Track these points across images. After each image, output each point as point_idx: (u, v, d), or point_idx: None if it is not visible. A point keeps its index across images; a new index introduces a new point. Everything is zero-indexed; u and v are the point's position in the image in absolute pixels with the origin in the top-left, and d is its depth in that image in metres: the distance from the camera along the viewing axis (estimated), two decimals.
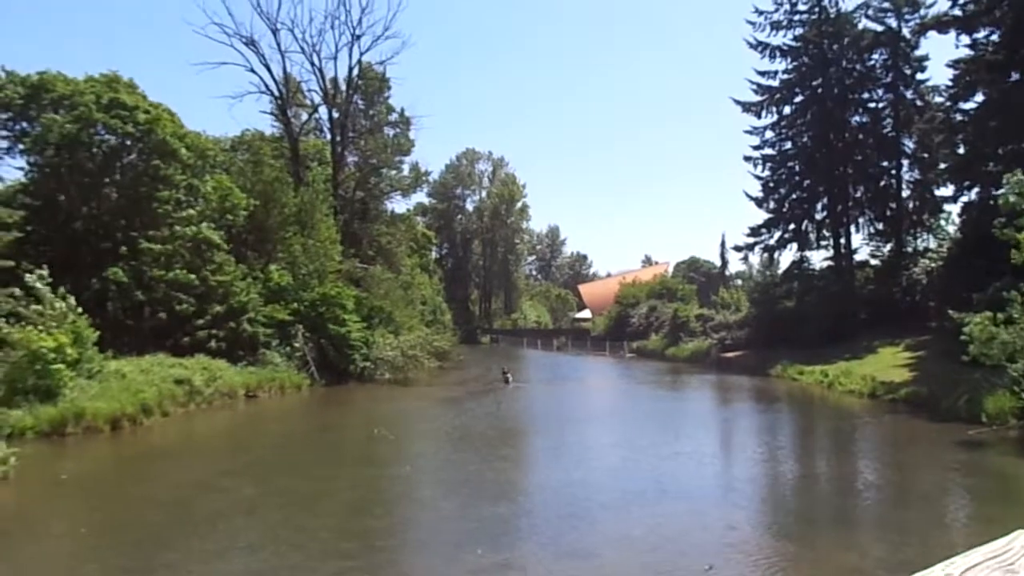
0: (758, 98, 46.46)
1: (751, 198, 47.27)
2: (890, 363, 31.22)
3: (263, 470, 17.40)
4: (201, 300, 30.87)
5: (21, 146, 30.65)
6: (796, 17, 45.20)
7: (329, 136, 53.20)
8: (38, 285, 22.85)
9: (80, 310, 23.74)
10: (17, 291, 22.50)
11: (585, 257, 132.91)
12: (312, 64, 49.92)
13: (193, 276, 30.70)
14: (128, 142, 30.86)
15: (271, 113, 51.00)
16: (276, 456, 19.49)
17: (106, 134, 30.54)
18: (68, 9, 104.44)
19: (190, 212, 31.91)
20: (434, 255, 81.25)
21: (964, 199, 36.13)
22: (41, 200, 28.73)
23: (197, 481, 16.12)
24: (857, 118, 46.08)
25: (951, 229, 41.20)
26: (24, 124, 30.67)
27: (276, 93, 48.22)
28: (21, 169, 31.29)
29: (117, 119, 30.05)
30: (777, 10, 45.17)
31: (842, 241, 46.06)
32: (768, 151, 47.00)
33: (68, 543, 11.89)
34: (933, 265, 38.72)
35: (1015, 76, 31.92)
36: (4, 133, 30.70)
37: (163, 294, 30.11)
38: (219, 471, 17.22)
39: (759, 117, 46.73)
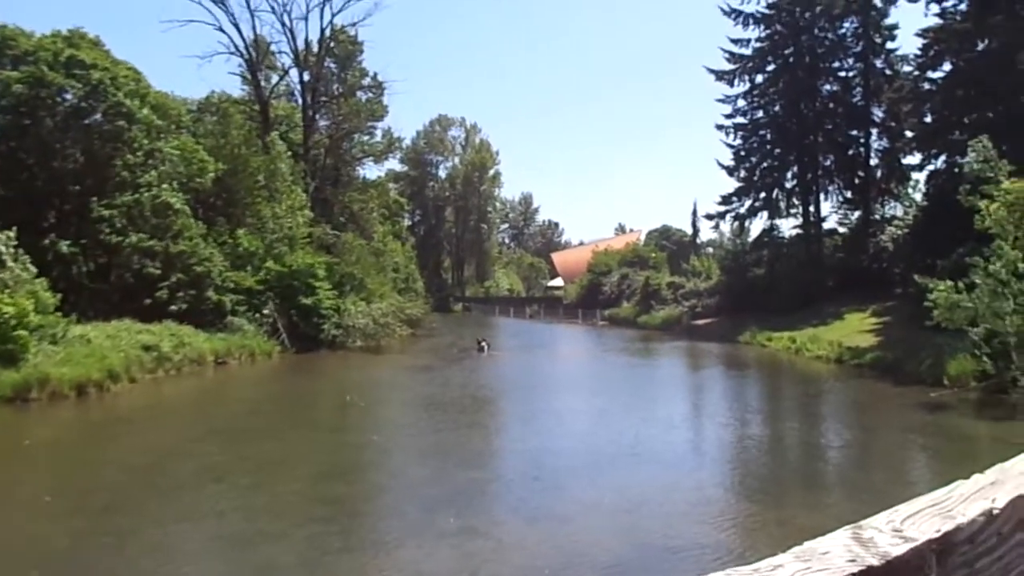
0: (731, 66, 46.41)
1: (723, 166, 47.48)
2: (857, 329, 31.78)
3: (232, 436, 17.28)
4: (166, 265, 30.39)
5: None
6: None
7: (300, 100, 52.33)
8: (1, 248, 22.38)
9: (36, 273, 23.33)
10: None
11: (557, 225, 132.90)
12: (283, 24, 49.00)
13: (154, 241, 30.13)
14: (91, 102, 30.02)
15: (240, 75, 50.03)
16: (246, 423, 19.35)
17: (63, 93, 29.68)
18: None
19: (151, 175, 31.17)
20: (406, 222, 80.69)
21: (930, 167, 36.55)
22: (0, 159, 27.95)
23: (165, 447, 15.98)
24: (828, 87, 46.32)
25: (917, 197, 41.79)
26: None
27: (245, 54, 47.22)
28: None
29: (72, 78, 29.19)
30: None
31: (811, 209, 46.56)
32: (740, 119, 47.16)
33: (30, 508, 11.73)
34: (899, 232, 39.28)
35: (982, 45, 32.18)
36: None
37: (125, 258, 29.59)
38: (188, 437, 17.07)
39: (732, 85, 46.77)
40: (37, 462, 15.27)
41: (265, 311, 33.75)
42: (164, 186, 31.38)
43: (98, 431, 18.56)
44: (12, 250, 22.70)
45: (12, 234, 22.93)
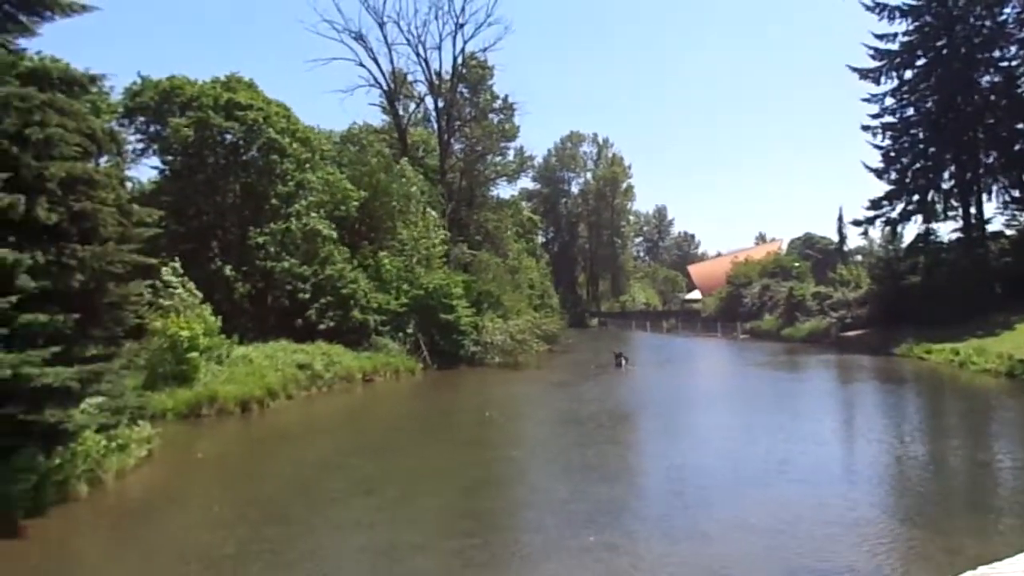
0: (876, 63, 43.96)
1: (870, 169, 44.90)
2: None
3: (380, 451, 18.04)
4: (316, 289, 32.27)
5: (156, 146, 32.94)
6: None
7: (435, 125, 54.25)
8: (171, 278, 24.61)
9: (201, 298, 25.39)
10: (157, 283, 24.28)
11: (693, 237, 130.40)
12: (418, 55, 51.25)
13: (305, 267, 32.13)
14: (247, 140, 32.51)
15: (380, 105, 52.56)
16: (392, 438, 20.17)
17: (224, 134, 32.28)
18: (199, 17, 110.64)
19: (300, 204, 33.28)
20: (540, 239, 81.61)
21: None
22: (173, 197, 30.78)
23: (320, 460, 16.93)
24: (987, 78, 42.84)
25: None
26: (159, 127, 32.86)
27: (384, 86, 49.61)
28: (156, 168, 33.77)
29: (233, 120, 31.72)
30: None
31: (972, 211, 43.08)
32: (888, 119, 44.49)
33: (202, 516, 12.74)
34: None
35: None
36: (139, 136, 33.13)
37: (279, 282, 31.69)
38: (339, 451, 18.01)
39: (878, 83, 44.27)
40: (208, 474, 16.58)
41: (408, 330, 35.06)
42: (312, 214, 33.46)
43: (259, 445, 19.90)
44: (179, 278, 24.98)
45: (177, 265, 25.24)
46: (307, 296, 31.99)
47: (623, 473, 15.68)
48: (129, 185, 28.73)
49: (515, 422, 22.94)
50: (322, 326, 31.38)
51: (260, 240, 31.60)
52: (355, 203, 36.63)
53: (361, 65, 50.29)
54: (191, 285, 25.50)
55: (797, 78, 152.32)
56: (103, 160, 19.79)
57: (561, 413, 23.56)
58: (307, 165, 34.72)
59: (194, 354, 22.98)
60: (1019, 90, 41.57)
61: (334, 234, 34.31)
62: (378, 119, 53.82)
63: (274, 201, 32.73)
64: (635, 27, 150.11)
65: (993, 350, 29.17)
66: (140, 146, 33.21)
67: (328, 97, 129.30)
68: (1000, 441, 18.36)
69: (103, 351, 14.69)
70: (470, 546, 10.67)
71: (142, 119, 33.07)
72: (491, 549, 10.70)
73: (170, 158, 32.40)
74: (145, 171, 36.09)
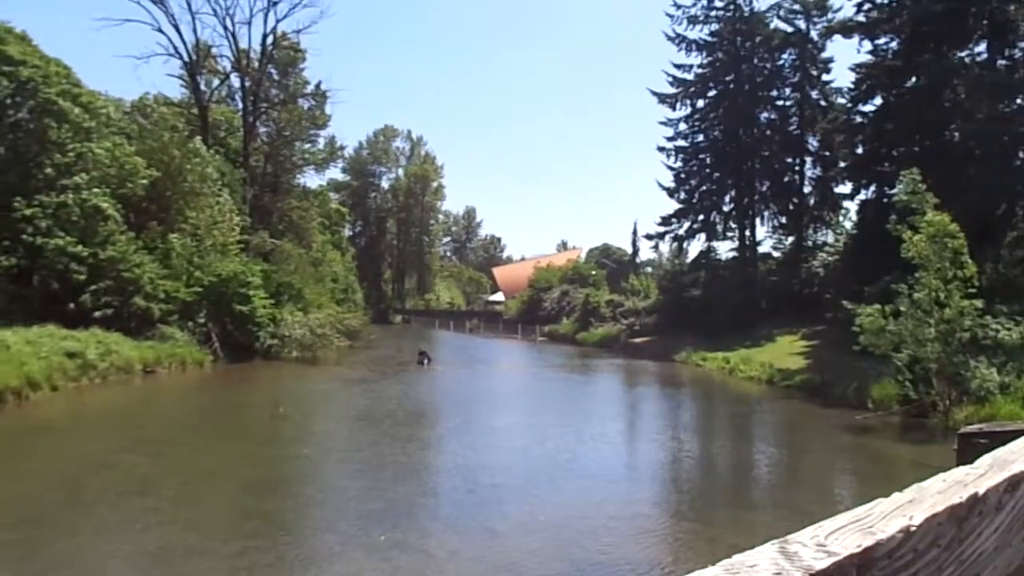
0: (674, 90, 47.54)
1: (663, 188, 48.47)
2: (787, 351, 32.63)
3: (159, 447, 16.71)
4: (93, 271, 29.25)
5: None
6: (712, 13, 46.46)
7: (240, 105, 51.43)
8: None
9: None
10: None
11: (499, 240, 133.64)
12: (225, 28, 48.26)
13: (81, 246, 28.98)
14: (17, 99, 28.85)
15: (179, 77, 48.92)
16: (174, 434, 18.75)
17: None
18: None
19: (80, 177, 29.95)
20: (347, 232, 79.85)
21: (861, 197, 37.94)
22: None
23: (87, 458, 15.38)
24: (765, 115, 47.77)
25: (848, 225, 43.31)
26: None
27: (185, 57, 46.25)
28: None
29: (1, 75, 28.04)
30: (694, 5, 46.33)
31: (747, 233, 47.81)
32: (681, 143, 48.27)
33: None
34: (830, 259, 40.62)
35: (911, 82, 33.65)
36: None
37: (50, 261, 28.36)
38: (112, 448, 16.47)
39: (674, 109, 47.94)
40: None
41: (199, 319, 32.84)
42: (95, 189, 30.26)
43: (15, 441, 17.74)
44: None
45: None
46: (83, 278, 28.87)
47: (418, 471, 15.66)
48: None
49: (310, 419, 22.21)
50: (99, 313, 28.49)
51: (28, 212, 28.13)
52: (143, 180, 33.63)
53: (160, 31, 46.42)
54: None
55: (606, 96, 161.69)
56: None
57: (359, 410, 23.17)
58: (92, 135, 31.36)
59: None
60: (791, 128, 46.74)
61: (118, 215, 31.23)
62: (176, 91, 49.99)
63: (49, 171, 29.24)
64: (453, 27, 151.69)
65: (757, 359, 32.47)
66: None
67: (119, 62, 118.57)
68: (758, 442, 20.45)
69: None
70: (254, 548, 10.15)
71: None
72: (276, 550, 10.24)
73: None
74: None
